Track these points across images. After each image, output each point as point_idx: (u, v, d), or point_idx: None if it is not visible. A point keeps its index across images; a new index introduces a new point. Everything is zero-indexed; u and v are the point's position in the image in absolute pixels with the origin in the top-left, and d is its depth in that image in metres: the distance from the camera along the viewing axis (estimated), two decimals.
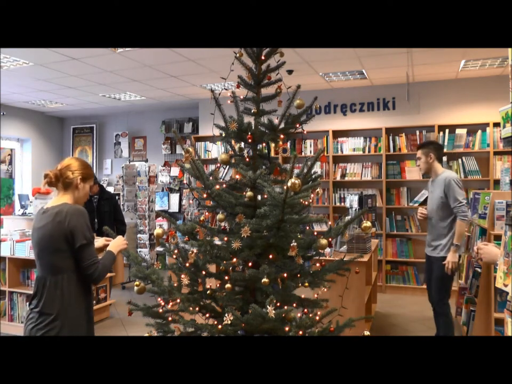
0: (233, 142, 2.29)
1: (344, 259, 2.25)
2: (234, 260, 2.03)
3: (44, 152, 8.68)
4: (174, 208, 7.91)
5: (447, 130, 5.80)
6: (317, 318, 2.16)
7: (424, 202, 5.66)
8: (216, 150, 6.97)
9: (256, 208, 2.06)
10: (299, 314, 2.13)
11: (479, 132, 5.68)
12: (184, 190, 7.80)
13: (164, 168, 8.07)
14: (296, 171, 2.08)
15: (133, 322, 4.57)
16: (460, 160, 5.76)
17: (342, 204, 6.30)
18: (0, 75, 5.55)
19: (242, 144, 2.27)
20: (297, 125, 2.23)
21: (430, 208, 3.70)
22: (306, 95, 2.44)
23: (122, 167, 6.87)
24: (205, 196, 2.07)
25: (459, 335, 4.00)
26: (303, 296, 2.22)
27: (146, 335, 2.10)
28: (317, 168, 6.13)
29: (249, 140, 2.17)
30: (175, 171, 7.94)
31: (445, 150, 5.80)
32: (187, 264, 2.11)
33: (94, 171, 8.73)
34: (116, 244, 2.28)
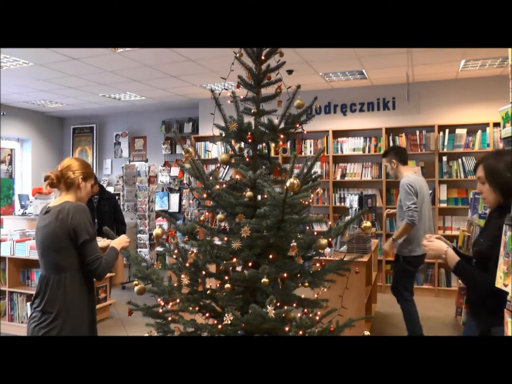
0: (233, 142, 2.29)
1: (344, 259, 2.25)
2: (234, 260, 2.03)
3: (44, 152, 8.68)
4: (174, 208, 7.91)
5: (447, 130, 5.80)
6: (317, 318, 2.16)
7: None
8: (216, 150, 6.97)
9: (256, 208, 2.06)
10: (299, 314, 2.13)
11: (479, 131, 5.68)
12: (184, 190, 7.80)
13: (163, 168, 8.07)
14: (296, 171, 2.08)
15: (133, 322, 4.57)
16: (459, 160, 5.76)
17: (342, 204, 6.30)
18: (0, 75, 5.55)
19: (242, 144, 2.27)
20: (297, 125, 2.23)
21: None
22: (306, 95, 2.44)
23: (122, 167, 6.87)
24: (205, 196, 2.07)
25: (459, 335, 4.00)
26: (303, 296, 2.22)
27: (146, 335, 2.10)
28: (317, 168, 6.13)
29: (249, 140, 2.17)
30: (175, 171, 7.95)
31: (445, 150, 5.81)
32: (187, 264, 2.11)
33: (94, 171, 8.73)
34: (119, 241, 2.33)
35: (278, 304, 1.87)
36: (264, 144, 2.27)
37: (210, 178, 2.09)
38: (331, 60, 5.09)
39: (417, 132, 5.98)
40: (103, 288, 4.86)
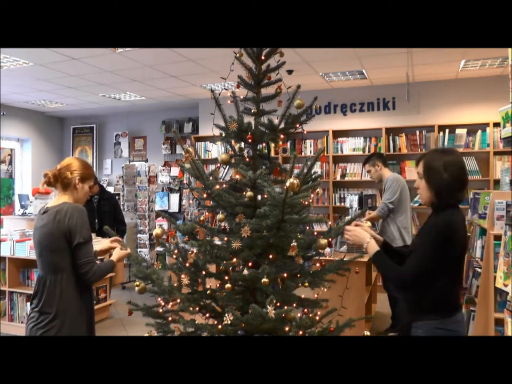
0: (233, 142, 2.29)
1: (344, 259, 2.25)
2: (234, 260, 2.03)
3: (44, 152, 8.68)
4: (174, 208, 7.91)
5: (447, 130, 5.80)
6: (317, 318, 2.16)
7: None
8: (216, 150, 6.97)
9: (256, 208, 2.06)
10: (299, 314, 2.13)
11: (479, 132, 5.68)
12: (184, 190, 7.80)
13: (163, 168, 8.07)
14: (296, 171, 2.08)
15: (133, 322, 4.57)
16: None
17: (342, 204, 6.30)
18: (0, 75, 5.55)
19: (242, 144, 2.27)
20: (297, 125, 2.23)
21: None
22: (306, 95, 2.44)
23: (122, 167, 6.87)
24: (205, 196, 2.07)
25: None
26: (303, 296, 2.22)
27: (146, 335, 2.10)
28: (317, 168, 6.13)
29: (249, 140, 2.17)
30: (175, 171, 7.94)
31: None
32: (187, 264, 2.11)
33: (94, 171, 8.73)
34: (120, 255, 2.30)
35: (278, 304, 1.87)
36: (264, 144, 2.27)
37: (210, 178, 2.09)
38: (331, 60, 5.09)
39: (417, 132, 5.97)
40: (103, 288, 4.86)
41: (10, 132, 7.95)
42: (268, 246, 2.01)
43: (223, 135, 2.21)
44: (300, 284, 2.13)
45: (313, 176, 2.22)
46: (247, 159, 2.22)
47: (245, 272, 2.00)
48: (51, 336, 1.97)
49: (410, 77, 5.72)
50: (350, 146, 6.37)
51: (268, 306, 1.74)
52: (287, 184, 1.72)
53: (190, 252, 2.09)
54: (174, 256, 2.18)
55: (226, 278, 2.01)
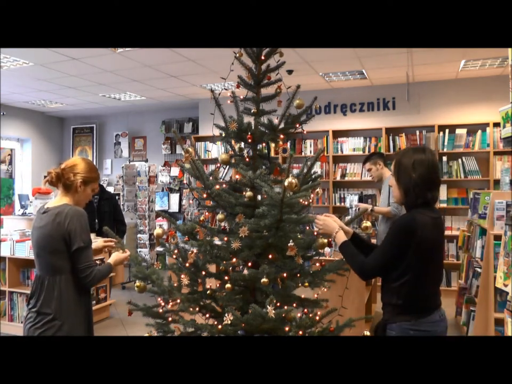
0: (233, 142, 2.29)
1: None
2: (234, 260, 2.03)
3: (44, 152, 8.68)
4: (174, 208, 7.91)
5: (447, 130, 5.80)
6: (317, 318, 2.16)
7: None
8: (216, 150, 6.96)
9: (256, 208, 2.06)
10: (299, 314, 2.13)
11: (479, 131, 5.68)
12: (184, 190, 7.80)
13: (164, 168, 8.07)
14: (296, 171, 2.08)
15: (133, 322, 4.57)
16: (459, 160, 5.76)
17: (342, 204, 6.30)
18: (0, 75, 5.54)
19: (242, 144, 2.27)
20: (297, 125, 2.23)
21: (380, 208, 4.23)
22: (306, 95, 2.44)
23: (122, 167, 6.87)
24: (205, 196, 2.07)
25: (459, 335, 4.00)
26: (303, 296, 2.22)
27: (146, 335, 2.10)
28: (317, 168, 6.13)
29: (249, 140, 2.17)
30: (175, 171, 7.94)
31: (445, 150, 5.81)
32: (187, 264, 2.11)
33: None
34: (118, 259, 2.25)
35: (278, 304, 1.87)
36: (264, 144, 2.27)
37: (210, 178, 2.09)
38: (331, 59, 5.09)
39: (417, 132, 5.97)
40: (103, 288, 4.86)
41: (10, 132, 7.95)
42: (267, 246, 2.01)
43: (223, 135, 2.21)
44: (300, 284, 2.13)
45: (313, 176, 2.22)
46: (247, 159, 2.23)
47: (245, 272, 2.00)
48: (51, 336, 1.96)
49: (410, 77, 5.72)
50: (350, 146, 6.37)
51: (268, 306, 1.74)
52: (285, 183, 1.72)
53: (190, 252, 2.09)
54: (174, 256, 2.18)
55: (226, 278, 2.01)
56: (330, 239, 2.01)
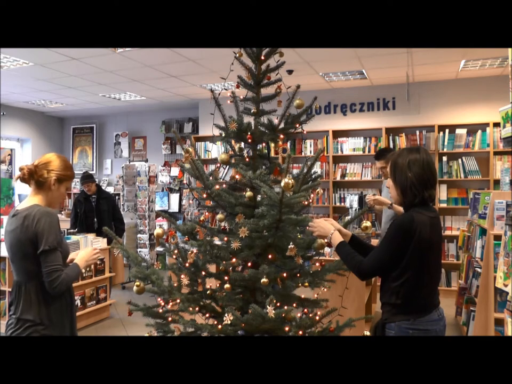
0: (233, 142, 2.29)
1: None
2: (234, 260, 2.03)
3: (44, 152, 8.65)
4: (174, 208, 7.91)
5: (447, 130, 5.80)
6: (317, 318, 2.16)
7: None
8: (216, 150, 6.96)
9: (256, 208, 2.06)
10: (299, 314, 2.13)
11: (479, 131, 5.68)
12: (184, 190, 7.79)
13: (164, 168, 8.07)
14: (296, 171, 2.08)
15: (133, 322, 4.56)
16: (459, 160, 5.76)
17: (342, 204, 6.30)
18: (0, 75, 5.54)
19: (242, 144, 2.27)
20: (297, 125, 2.23)
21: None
22: (306, 95, 2.44)
23: (122, 167, 6.86)
24: (205, 196, 2.07)
25: (459, 335, 4.00)
26: (303, 296, 2.22)
27: (146, 335, 2.10)
28: (317, 168, 6.13)
29: (249, 140, 2.17)
30: (175, 171, 7.94)
31: (445, 150, 5.80)
32: (187, 264, 2.11)
33: (94, 171, 8.74)
34: (85, 257, 2.11)
35: (278, 304, 1.87)
36: (264, 144, 2.27)
37: (210, 178, 2.09)
38: (331, 60, 5.09)
39: (417, 132, 5.97)
40: (103, 288, 4.85)
41: (10, 132, 7.95)
42: (267, 246, 2.01)
43: (223, 135, 2.21)
44: (300, 284, 2.13)
45: (313, 176, 2.23)
46: (247, 159, 2.23)
47: (245, 272, 2.00)
48: (51, 336, 1.96)
49: (410, 77, 5.72)
50: (350, 146, 6.37)
51: (268, 306, 1.74)
52: (282, 184, 1.72)
53: (190, 252, 2.09)
54: (174, 256, 2.18)
55: (226, 278, 2.01)
56: (326, 241, 2.01)
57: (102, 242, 4.83)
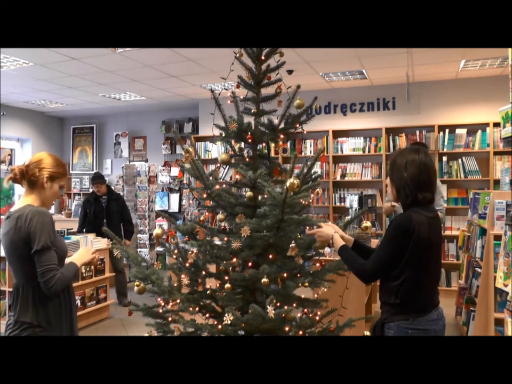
0: (233, 142, 2.29)
1: None
2: (234, 260, 2.03)
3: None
4: (174, 208, 7.90)
5: (447, 130, 5.80)
6: (317, 318, 2.16)
7: None
8: (216, 150, 6.96)
9: (256, 208, 2.06)
10: (299, 314, 2.13)
11: (479, 131, 5.68)
12: (184, 190, 7.79)
13: (164, 168, 8.07)
14: (296, 171, 2.08)
15: (133, 322, 4.56)
16: (459, 160, 5.76)
17: (342, 204, 6.30)
18: (0, 75, 5.54)
19: (242, 144, 2.28)
20: (297, 125, 2.23)
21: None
22: (306, 95, 2.44)
23: (122, 167, 6.86)
24: (205, 196, 2.07)
25: (459, 335, 4.00)
26: (303, 296, 2.22)
27: (146, 335, 2.10)
28: (317, 168, 6.13)
29: (249, 140, 2.17)
30: (175, 171, 7.94)
31: (445, 150, 5.81)
32: (187, 264, 2.11)
33: (94, 171, 8.74)
34: (81, 255, 2.09)
35: (278, 304, 1.87)
36: (264, 144, 2.27)
37: (210, 178, 2.09)
38: (331, 60, 5.09)
39: (417, 132, 5.97)
40: (103, 288, 4.85)
41: (10, 132, 7.95)
42: (267, 246, 2.01)
43: (223, 135, 2.21)
44: (300, 284, 2.13)
45: (313, 176, 2.23)
46: (247, 159, 2.23)
47: (245, 272, 2.00)
48: (51, 336, 1.95)
49: (410, 77, 5.72)
50: (350, 146, 6.37)
51: (268, 306, 1.74)
52: (287, 184, 1.72)
53: (190, 252, 2.09)
54: (174, 256, 2.18)
55: (226, 278, 2.01)
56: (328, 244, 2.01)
57: (102, 243, 4.83)
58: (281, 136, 2.22)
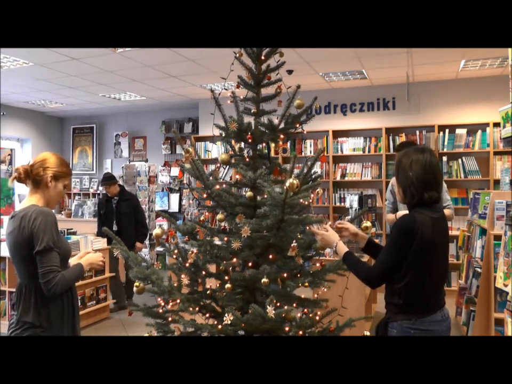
0: (233, 142, 2.29)
1: None
2: (234, 260, 2.03)
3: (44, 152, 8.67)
4: (174, 208, 7.90)
5: (447, 130, 5.80)
6: (317, 318, 2.16)
7: None
8: (216, 150, 6.96)
9: (256, 208, 2.06)
10: (299, 314, 2.13)
11: (479, 131, 5.68)
12: (184, 190, 7.79)
13: (163, 168, 8.07)
14: (296, 171, 2.08)
15: (133, 322, 4.57)
16: (460, 160, 5.76)
17: (342, 204, 6.30)
18: (0, 75, 5.54)
19: (242, 144, 2.27)
20: (297, 125, 2.23)
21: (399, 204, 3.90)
22: (306, 95, 2.44)
23: (122, 167, 6.86)
24: (205, 196, 2.07)
25: (459, 335, 4.00)
26: (303, 296, 2.22)
27: (146, 335, 2.10)
28: (317, 168, 6.13)
29: (249, 140, 2.17)
30: (175, 171, 7.94)
31: (445, 150, 5.81)
32: (187, 264, 2.11)
33: (94, 171, 8.75)
34: (90, 259, 2.10)
35: (278, 304, 1.87)
36: (264, 144, 2.27)
37: (210, 178, 2.09)
38: (331, 60, 5.09)
39: (417, 132, 5.97)
40: (103, 288, 4.85)
41: (10, 132, 7.95)
42: (268, 246, 2.01)
43: (223, 135, 2.21)
44: (300, 284, 2.13)
45: (313, 176, 2.22)
46: (247, 159, 2.23)
47: (245, 272, 2.00)
48: (52, 336, 1.95)
49: (410, 77, 5.72)
50: (350, 146, 6.37)
51: (268, 306, 1.74)
52: (287, 184, 1.72)
53: (190, 252, 2.09)
54: (174, 256, 2.18)
55: (226, 278, 2.01)
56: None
57: (102, 243, 4.83)
58: (281, 136, 2.22)
